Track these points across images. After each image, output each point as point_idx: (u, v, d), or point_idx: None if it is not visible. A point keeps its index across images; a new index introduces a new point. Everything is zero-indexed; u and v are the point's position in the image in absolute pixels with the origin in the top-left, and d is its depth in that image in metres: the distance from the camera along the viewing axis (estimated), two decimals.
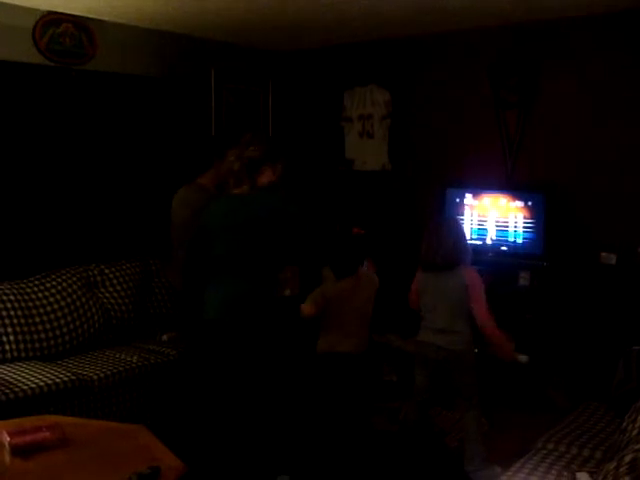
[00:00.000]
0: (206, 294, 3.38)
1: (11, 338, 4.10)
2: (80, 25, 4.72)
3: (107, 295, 4.68)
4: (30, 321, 4.20)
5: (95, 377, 3.99)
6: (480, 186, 5.05)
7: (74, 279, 4.54)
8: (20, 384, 3.70)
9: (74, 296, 4.46)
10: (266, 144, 3.44)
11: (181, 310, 4.40)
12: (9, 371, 3.89)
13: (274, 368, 3.37)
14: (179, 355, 4.37)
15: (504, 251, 4.89)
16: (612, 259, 4.60)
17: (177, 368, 4.29)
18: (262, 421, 3.35)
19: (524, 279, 4.75)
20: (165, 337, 4.66)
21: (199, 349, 3.54)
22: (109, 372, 4.07)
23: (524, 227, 4.81)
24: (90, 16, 4.74)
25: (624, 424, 2.65)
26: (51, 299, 4.35)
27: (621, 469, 1.98)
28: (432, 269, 3.73)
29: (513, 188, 4.94)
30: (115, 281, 4.75)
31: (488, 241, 5.00)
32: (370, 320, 4.01)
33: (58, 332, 4.29)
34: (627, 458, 2.04)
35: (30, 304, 4.25)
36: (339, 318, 3.85)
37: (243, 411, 3.31)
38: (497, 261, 4.83)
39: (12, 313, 4.15)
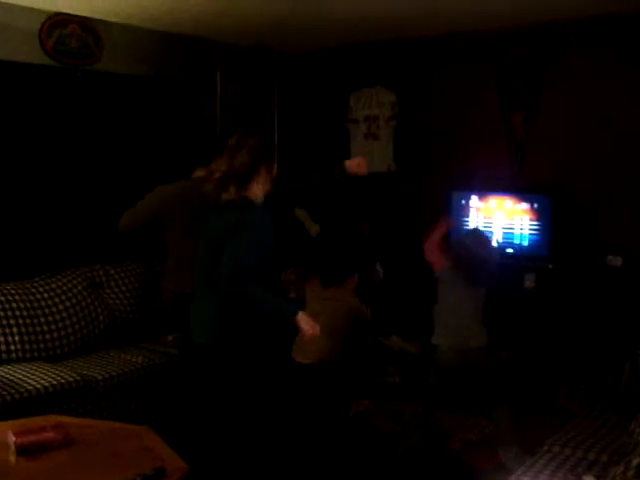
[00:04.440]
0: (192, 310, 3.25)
1: (16, 338, 4.10)
2: (86, 26, 4.73)
3: (112, 296, 4.68)
4: (35, 321, 4.20)
5: (100, 377, 3.99)
6: (486, 188, 5.04)
7: (79, 279, 4.55)
8: (25, 384, 3.70)
9: (79, 296, 4.45)
10: (259, 144, 3.16)
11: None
12: (14, 371, 3.89)
13: (269, 378, 3.32)
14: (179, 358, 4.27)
15: (510, 253, 4.88)
16: (618, 261, 4.59)
17: (179, 370, 4.21)
18: (260, 424, 3.32)
19: (530, 281, 4.74)
20: (170, 337, 4.64)
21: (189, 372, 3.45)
22: (114, 373, 4.07)
23: (530, 229, 4.80)
24: (96, 17, 4.75)
25: (631, 427, 2.64)
26: (56, 299, 4.35)
27: (629, 473, 1.97)
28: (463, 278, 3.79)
29: (519, 190, 4.93)
30: (120, 282, 4.76)
31: (494, 243, 4.98)
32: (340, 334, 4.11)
33: (63, 332, 4.29)
34: (634, 462, 2.03)
35: (35, 304, 4.25)
36: None
37: (241, 415, 3.29)
38: (503, 263, 4.81)
39: (17, 313, 4.15)
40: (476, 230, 4.42)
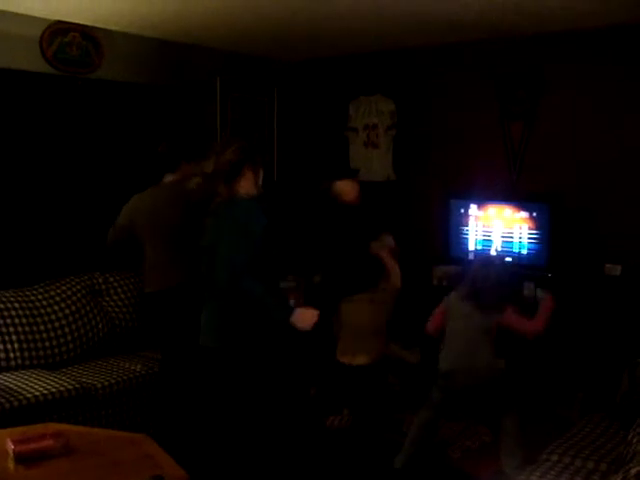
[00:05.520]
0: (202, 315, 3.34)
1: (15, 346, 4.10)
2: (87, 34, 4.74)
3: (111, 304, 4.68)
4: (34, 329, 4.20)
5: (99, 385, 3.99)
6: (485, 197, 5.05)
7: (78, 287, 4.55)
8: (24, 392, 3.70)
9: (78, 304, 4.46)
10: (244, 145, 3.33)
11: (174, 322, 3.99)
12: (13, 379, 3.89)
13: (274, 382, 3.34)
14: (161, 372, 4.17)
15: (509, 262, 4.88)
16: (617, 270, 4.58)
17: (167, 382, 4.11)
18: (262, 429, 3.33)
19: (529, 290, 4.74)
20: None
21: (197, 374, 3.52)
22: (113, 381, 4.08)
23: (529, 238, 4.80)
24: (97, 25, 4.76)
25: (629, 436, 2.64)
26: (55, 307, 4.35)
27: None
28: (472, 301, 3.82)
29: (518, 199, 4.93)
30: (120, 289, 4.76)
31: (493, 252, 4.99)
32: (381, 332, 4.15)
33: (62, 340, 4.29)
34: (633, 471, 2.03)
35: (35, 312, 4.25)
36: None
37: (243, 421, 3.30)
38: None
39: (17, 321, 4.15)
40: (484, 258, 4.53)
